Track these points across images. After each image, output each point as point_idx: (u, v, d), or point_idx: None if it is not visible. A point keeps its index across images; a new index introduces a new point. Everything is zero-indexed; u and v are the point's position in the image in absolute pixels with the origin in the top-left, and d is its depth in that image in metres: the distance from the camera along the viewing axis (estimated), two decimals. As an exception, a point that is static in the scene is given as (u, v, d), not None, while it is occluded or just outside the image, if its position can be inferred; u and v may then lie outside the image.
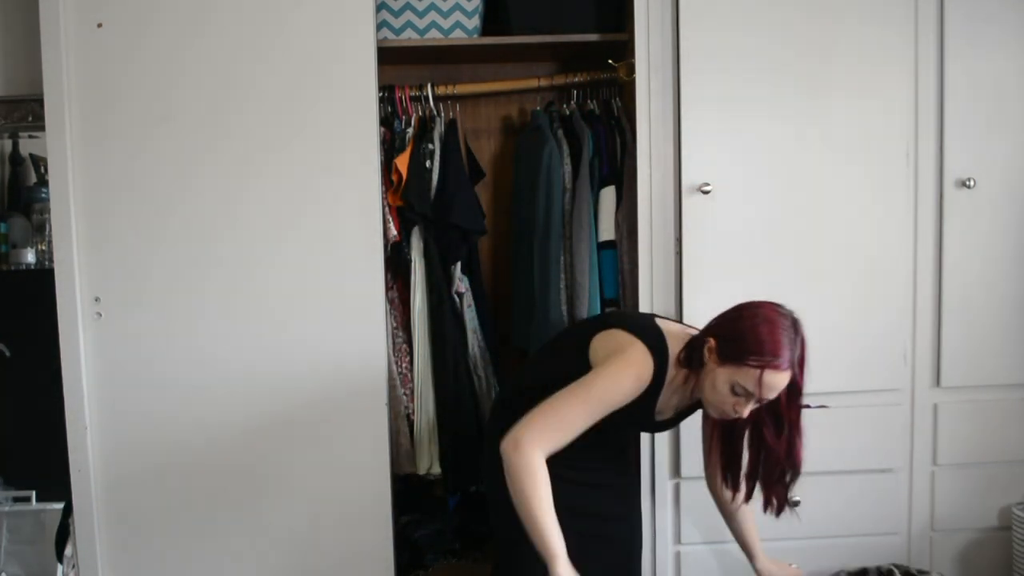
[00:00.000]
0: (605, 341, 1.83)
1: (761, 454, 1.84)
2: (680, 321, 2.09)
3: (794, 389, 1.72)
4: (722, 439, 1.95)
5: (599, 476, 1.99)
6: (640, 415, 1.85)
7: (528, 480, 1.65)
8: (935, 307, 2.40)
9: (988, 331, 2.40)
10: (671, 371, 1.80)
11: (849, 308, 2.36)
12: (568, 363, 1.83)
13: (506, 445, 1.69)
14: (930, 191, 2.38)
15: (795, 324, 1.72)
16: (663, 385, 1.81)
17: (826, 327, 2.36)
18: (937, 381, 2.42)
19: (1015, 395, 2.43)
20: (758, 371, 1.66)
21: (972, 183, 2.36)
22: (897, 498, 2.44)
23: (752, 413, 1.75)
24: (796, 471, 1.84)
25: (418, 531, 2.74)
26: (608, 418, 1.76)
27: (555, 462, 1.71)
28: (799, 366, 1.70)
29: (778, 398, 1.72)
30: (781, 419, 1.77)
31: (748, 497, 1.95)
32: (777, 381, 1.67)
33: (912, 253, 2.38)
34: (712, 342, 1.74)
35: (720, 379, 1.71)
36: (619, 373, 1.75)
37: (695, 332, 1.85)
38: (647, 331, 1.82)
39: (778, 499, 1.89)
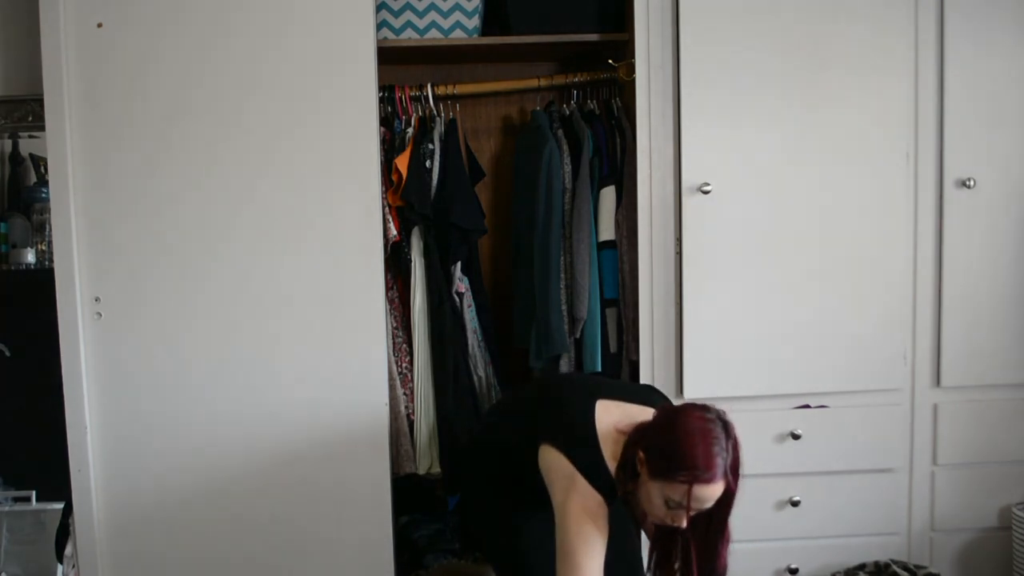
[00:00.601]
0: (550, 463, 1.78)
1: (687, 555, 1.76)
2: (623, 395, 1.91)
3: (727, 495, 1.65)
4: (655, 538, 1.86)
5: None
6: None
7: None
8: (935, 307, 2.40)
9: (988, 331, 2.40)
10: (617, 480, 1.73)
11: (849, 308, 2.36)
12: (522, 452, 1.84)
13: None
14: (930, 191, 2.38)
15: (726, 428, 1.65)
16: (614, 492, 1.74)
17: (826, 327, 2.36)
18: (937, 381, 2.42)
19: (1015, 395, 2.43)
20: (687, 486, 1.60)
21: (972, 183, 2.36)
22: (897, 498, 2.44)
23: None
24: (717, 573, 1.76)
25: (418, 531, 2.74)
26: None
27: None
28: (732, 473, 1.64)
29: (727, 498, 1.66)
30: (710, 521, 1.70)
31: None
32: (709, 493, 1.62)
33: (912, 253, 2.38)
34: (642, 455, 1.68)
35: (653, 492, 1.65)
36: (581, 530, 1.70)
37: (628, 429, 1.75)
38: (583, 451, 1.75)
39: None
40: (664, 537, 1.81)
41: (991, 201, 2.38)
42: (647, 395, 1.93)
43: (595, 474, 1.73)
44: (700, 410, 1.68)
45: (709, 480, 1.60)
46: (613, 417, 1.80)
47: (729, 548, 1.75)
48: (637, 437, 1.71)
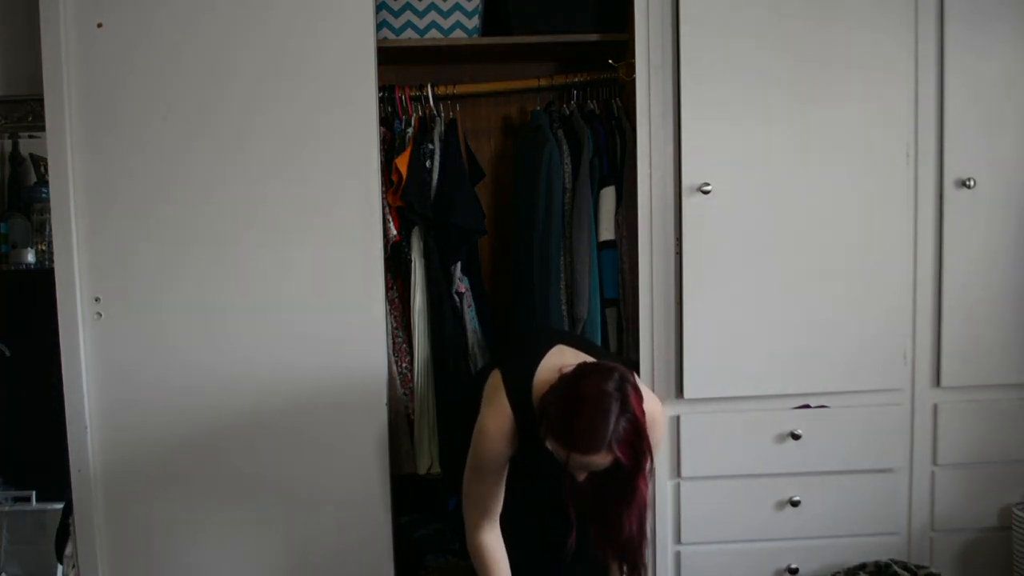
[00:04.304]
0: (489, 383, 1.84)
1: (598, 524, 1.75)
2: (589, 350, 1.91)
3: (620, 466, 1.62)
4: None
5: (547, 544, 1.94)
6: (544, 461, 1.75)
7: (477, 563, 1.87)
8: (935, 307, 2.40)
9: (988, 331, 2.40)
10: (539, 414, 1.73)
11: (849, 308, 2.36)
12: (480, 381, 1.93)
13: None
14: (930, 191, 2.38)
15: (622, 399, 1.61)
16: (537, 436, 1.72)
17: (826, 327, 2.36)
18: (937, 381, 2.42)
19: (1015, 395, 2.43)
20: (565, 451, 1.61)
21: (972, 183, 2.36)
22: (897, 498, 2.44)
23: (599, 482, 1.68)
24: (630, 544, 1.73)
25: (418, 531, 2.74)
26: (527, 470, 1.83)
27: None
28: (624, 445, 1.60)
29: (620, 468, 1.63)
30: (608, 484, 1.67)
31: (619, 567, 1.87)
32: (586, 463, 1.61)
33: (912, 253, 2.38)
34: (543, 406, 1.68)
35: (549, 444, 1.66)
36: (483, 436, 1.79)
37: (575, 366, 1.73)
38: (520, 376, 1.78)
39: (629, 567, 1.79)
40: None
41: (991, 201, 2.37)
42: (609, 359, 1.89)
43: (519, 401, 1.77)
44: (600, 378, 1.64)
45: (584, 451, 1.59)
46: (563, 360, 1.79)
47: (639, 518, 1.72)
48: (547, 390, 1.70)
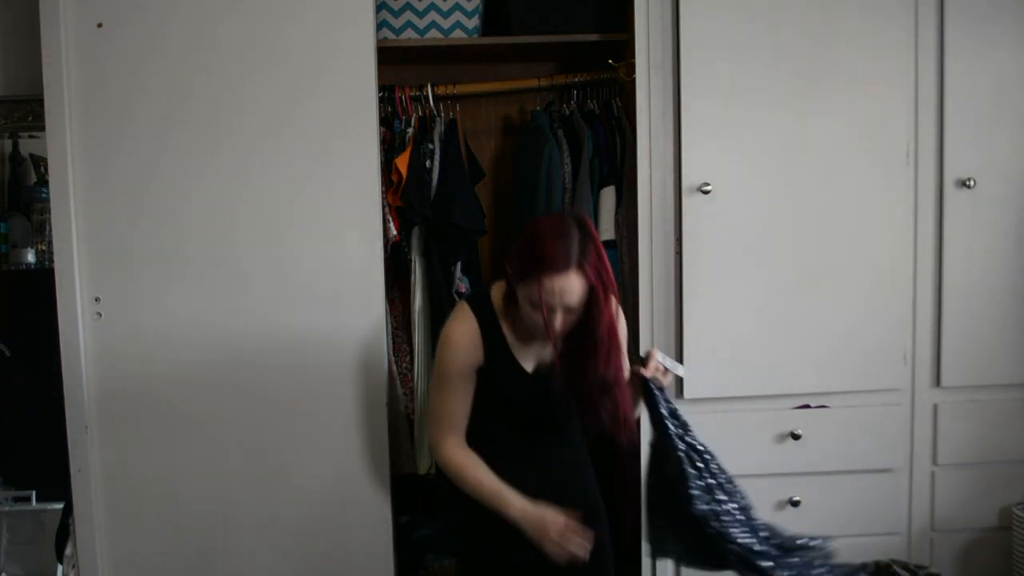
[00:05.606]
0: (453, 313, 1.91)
1: (569, 374, 1.78)
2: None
3: (593, 295, 1.67)
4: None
5: (533, 458, 1.90)
6: (509, 375, 1.83)
7: (455, 471, 1.81)
8: (935, 307, 2.40)
9: (988, 331, 2.40)
10: (504, 314, 1.82)
11: (849, 308, 2.36)
12: None
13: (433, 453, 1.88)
14: (930, 191, 2.38)
15: (581, 227, 1.68)
16: (503, 336, 1.82)
17: (826, 327, 2.36)
18: (937, 381, 2.42)
19: (1015, 395, 2.43)
20: (537, 281, 1.65)
21: (972, 183, 2.36)
22: (897, 498, 2.44)
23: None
24: (603, 387, 1.74)
25: (418, 531, 2.74)
26: (495, 392, 1.82)
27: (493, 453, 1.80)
28: (591, 269, 1.66)
29: (589, 312, 1.69)
30: (585, 332, 1.72)
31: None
32: (559, 284, 1.64)
33: (912, 253, 2.38)
34: (508, 270, 1.76)
35: (522, 300, 1.72)
36: (446, 340, 1.83)
37: None
38: (481, 299, 1.86)
39: (606, 417, 1.78)
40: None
41: (991, 201, 2.37)
42: None
43: (482, 312, 1.82)
44: (556, 214, 1.72)
45: (557, 269, 1.64)
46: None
47: (615, 363, 1.74)
48: (507, 259, 1.78)
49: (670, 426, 1.72)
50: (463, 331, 1.82)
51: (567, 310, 1.68)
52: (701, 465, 1.70)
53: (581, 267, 1.65)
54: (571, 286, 1.65)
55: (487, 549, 1.89)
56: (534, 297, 1.67)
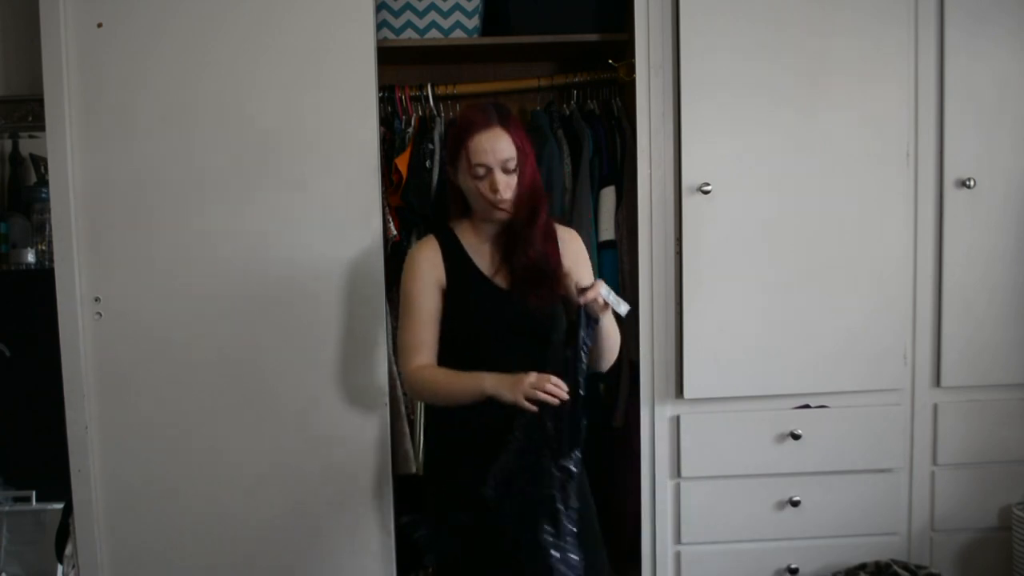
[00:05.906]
0: None
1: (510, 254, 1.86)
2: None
3: (520, 152, 1.80)
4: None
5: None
6: (476, 287, 1.87)
7: (426, 382, 1.84)
8: (935, 307, 2.40)
9: (988, 331, 2.40)
10: (461, 227, 1.92)
11: (849, 308, 2.36)
12: None
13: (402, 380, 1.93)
14: (930, 191, 2.38)
15: (497, 105, 1.86)
16: (460, 245, 1.89)
17: (826, 327, 2.36)
18: (937, 381, 2.42)
19: (1015, 395, 2.43)
20: (465, 145, 1.79)
21: (972, 183, 2.36)
22: (897, 498, 2.44)
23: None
24: (535, 261, 1.83)
25: (418, 531, 2.74)
26: (467, 317, 1.85)
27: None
28: (514, 129, 1.80)
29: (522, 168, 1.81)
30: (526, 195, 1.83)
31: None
32: (483, 140, 1.78)
33: (912, 253, 2.38)
34: (449, 168, 1.89)
35: (462, 179, 1.84)
36: (407, 265, 1.91)
37: None
38: (443, 229, 1.95)
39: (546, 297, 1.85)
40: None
41: (991, 201, 2.37)
42: None
43: (444, 236, 1.91)
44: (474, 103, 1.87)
45: (480, 126, 1.79)
46: None
47: (545, 221, 1.86)
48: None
49: (583, 356, 1.75)
50: (422, 252, 1.90)
51: (504, 169, 1.79)
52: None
53: (504, 126, 1.80)
54: (500, 142, 1.79)
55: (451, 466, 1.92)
56: (468, 163, 1.79)
